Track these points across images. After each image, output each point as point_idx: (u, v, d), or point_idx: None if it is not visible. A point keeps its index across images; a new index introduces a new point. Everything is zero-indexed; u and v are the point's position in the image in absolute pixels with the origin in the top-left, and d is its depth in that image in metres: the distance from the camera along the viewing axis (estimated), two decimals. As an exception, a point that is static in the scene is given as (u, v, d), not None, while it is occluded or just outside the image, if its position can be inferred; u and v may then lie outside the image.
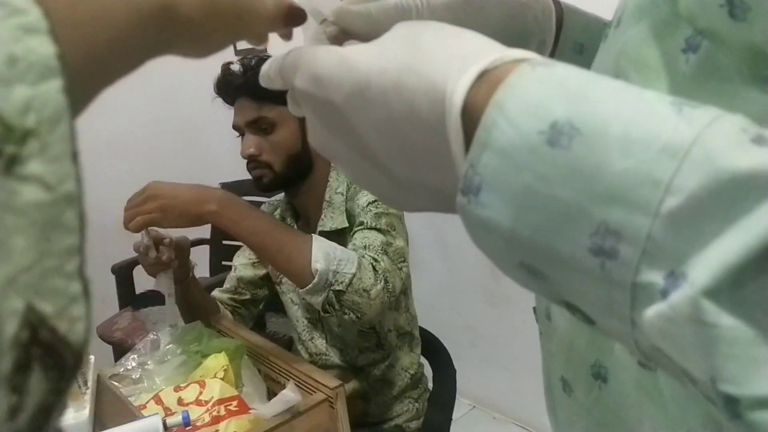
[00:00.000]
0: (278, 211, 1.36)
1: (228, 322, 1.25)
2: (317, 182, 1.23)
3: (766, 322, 0.18)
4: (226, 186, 2.60)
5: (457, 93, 0.25)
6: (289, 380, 0.99)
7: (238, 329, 1.19)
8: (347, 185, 1.22)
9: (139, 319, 2.23)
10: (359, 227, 1.15)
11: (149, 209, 1.03)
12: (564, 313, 0.37)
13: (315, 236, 1.04)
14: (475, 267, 2.15)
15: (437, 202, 0.30)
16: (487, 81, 0.25)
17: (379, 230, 1.12)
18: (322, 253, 1.00)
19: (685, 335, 0.20)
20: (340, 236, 1.18)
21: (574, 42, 0.47)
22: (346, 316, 1.01)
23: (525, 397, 2.21)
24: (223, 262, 2.54)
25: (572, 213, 0.22)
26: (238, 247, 1.46)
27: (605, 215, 0.21)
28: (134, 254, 2.41)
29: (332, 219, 1.20)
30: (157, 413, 0.82)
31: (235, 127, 1.23)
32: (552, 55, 0.46)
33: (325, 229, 1.19)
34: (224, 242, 2.55)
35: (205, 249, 2.62)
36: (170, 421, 0.78)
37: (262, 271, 1.37)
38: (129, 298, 2.40)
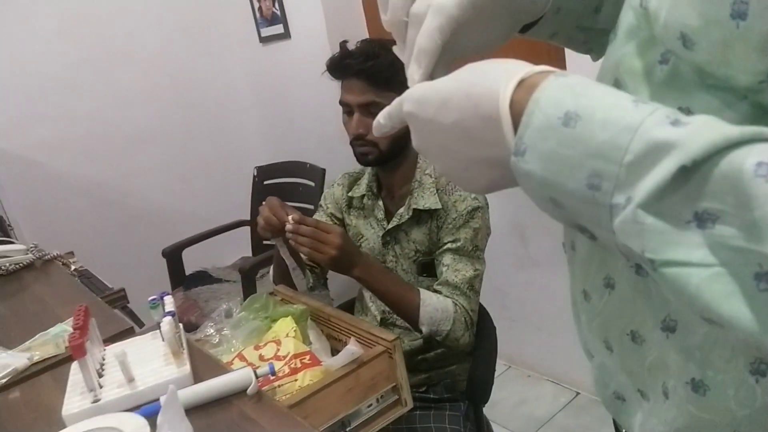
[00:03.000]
0: (364, 180, 1.52)
1: (287, 290, 1.39)
2: (409, 163, 1.43)
3: (673, 221, 0.33)
4: (261, 170, 2.74)
5: (507, 94, 0.40)
6: (350, 337, 1.13)
7: (298, 296, 1.33)
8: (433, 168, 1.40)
9: (192, 298, 2.40)
10: (453, 243, 1.36)
11: (324, 250, 1.21)
12: (583, 241, 0.51)
13: (423, 299, 1.30)
14: (504, 234, 2.26)
15: (495, 171, 0.44)
16: (523, 86, 0.40)
17: (470, 257, 1.36)
18: (427, 317, 1.29)
19: (630, 231, 0.34)
20: (432, 215, 1.39)
21: (554, 6, 0.59)
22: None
23: (556, 355, 2.33)
24: (264, 242, 2.68)
25: (576, 164, 0.36)
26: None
27: (594, 165, 0.35)
28: (181, 238, 2.58)
29: (424, 198, 1.39)
30: (247, 366, 0.96)
31: (344, 104, 1.38)
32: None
33: (419, 207, 1.38)
34: (263, 223, 2.69)
35: (246, 230, 2.77)
36: (260, 371, 0.92)
37: None
38: (180, 278, 2.56)
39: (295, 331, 1.13)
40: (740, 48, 0.34)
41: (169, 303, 1.04)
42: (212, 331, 1.22)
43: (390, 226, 1.44)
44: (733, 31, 0.34)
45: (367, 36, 2.60)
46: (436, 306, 1.30)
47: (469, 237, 1.36)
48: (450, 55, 0.51)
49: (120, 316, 1.31)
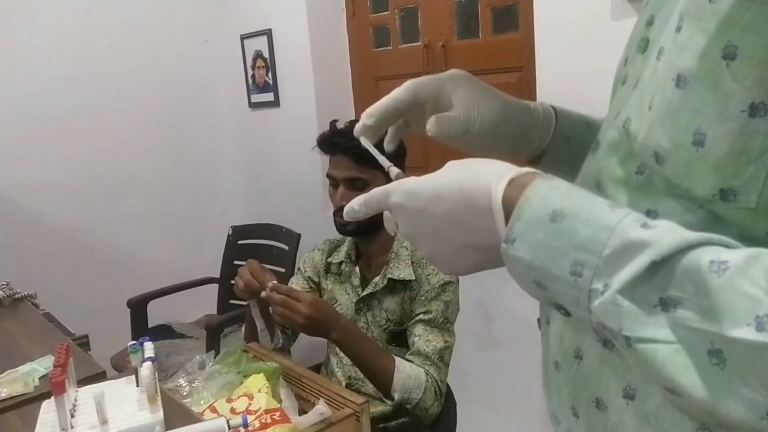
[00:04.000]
0: (344, 248, 1.61)
1: (260, 347, 1.42)
2: (386, 234, 1.49)
3: (644, 305, 0.39)
4: (236, 229, 2.79)
5: (499, 191, 0.48)
6: (320, 398, 1.16)
7: (270, 354, 1.36)
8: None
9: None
10: (425, 315, 1.43)
11: (293, 318, 1.27)
12: (556, 316, 0.58)
13: (397, 365, 1.35)
14: (468, 313, 2.31)
15: (480, 255, 0.52)
16: (513, 184, 0.48)
17: (441, 329, 1.43)
18: (400, 384, 1.34)
19: (609, 312, 0.41)
20: (405, 286, 1.47)
21: (563, 135, 0.72)
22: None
23: (510, 437, 2.35)
24: (231, 301, 2.69)
25: (561, 254, 0.43)
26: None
27: (577, 256, 0.42)
28: (149, 289, 2.57)
29: (399, 269, 1.47)
30: (222, 416, 0.99)
31: (331, 177, 1.49)
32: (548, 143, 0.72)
33: (394, 277, 1.47)
34: (232, 282, 2.71)
35: (213, 287, 2.78)
36: (233, 422, 0.94)
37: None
38: (142, 330, 2.53)
39: (267, 387, 1.16)
40: (699, 167, 0.43)
41: (149, 349, 1.07)
42: (183, 382, 1.24)
43: (364, 293, 1.50)
44: (693, 154, 0.43)
45: (353, 115, 2.75)
46: (409, 374, 1.35)
47: (440, 309, 1.43)
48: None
49: (92, 360, 1.32)
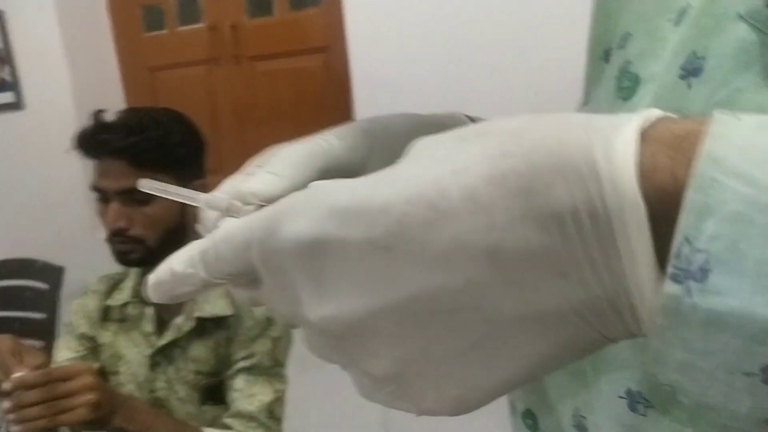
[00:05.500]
0: (128, 283, 1.20)
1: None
2: None
3: None
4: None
5: (622, 158, 0.19)
6: None
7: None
8: None
9: None
10: (246, 361, 1.10)
11: (75, 404, 0.91)
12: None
13: None
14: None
15: (547, 333, 0.21)
16: (654, 142, 0.19)
17: (268, 375, 1.12)
18: None
19: None
20: (220, 325, 1.12)
21: None
22: None
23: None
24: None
25: None
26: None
27: None
28: None
29: (210, 303, 1.13)
30: None
31: (98, 190, 1.09)
32: None
33: (204, 315, 1.12)
34: None
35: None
36: None
37: None
38: None
39: None
40: None
41: None
42: None
43: (163, 341, 1.13)
44: None
45: (120, 89, 2.34)
46: None
47: (266, 350, 1.12)
48: None
49: None
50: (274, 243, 0.23)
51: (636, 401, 0.29)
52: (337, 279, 0.22)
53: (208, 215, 0.30)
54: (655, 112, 0.21)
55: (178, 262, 0.26)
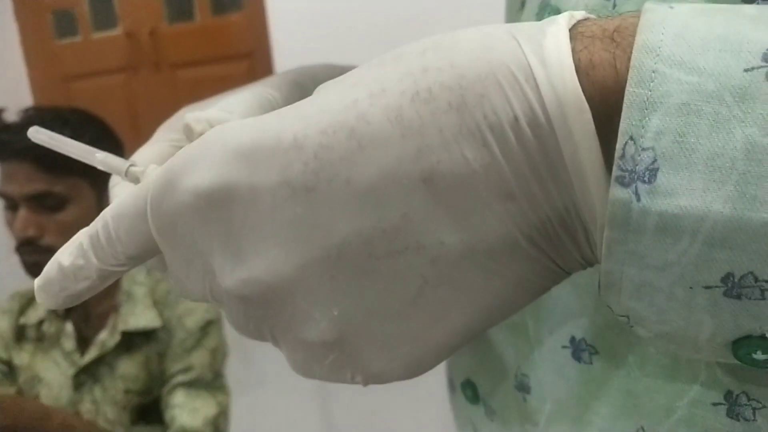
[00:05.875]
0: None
1: None
2: None
3: None
4: None
5: (557, 57, 0.17)
6: None
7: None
8: (146, 272, 1.07)
9: None
10: (184, 375, 1.03)
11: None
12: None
13: None
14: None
15: (511, 268, 0.19)
16: (586, 38, 0.18)
17: (210, 388, 1.05)
18: None
19: None
20: (149, 338, 1.05)
21: None
22: None
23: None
24: None
25: None
26: None
27: None
28: None
29: (136, 315, 1.05)
30: None
31: (4, 196, 1.01)
32: None
33: (130, 328, 1.04)
34: None
35: None
36: None
37: None
38: None
39: None
40: None
41: None
42: None
43: (87, 359, 1.05)
44: None
45: (31, 102, 2.18)
46: None
47: (206, 362, 1.06)
48: None
49: None
50: (170, 204, 0.19)
51: (581, 349, 0.27)
52: (252, 234, 0.19)
53: (116, 193, 0.27)
54: (580, 13, 0.19)
55: (66, 254, 0.22)
